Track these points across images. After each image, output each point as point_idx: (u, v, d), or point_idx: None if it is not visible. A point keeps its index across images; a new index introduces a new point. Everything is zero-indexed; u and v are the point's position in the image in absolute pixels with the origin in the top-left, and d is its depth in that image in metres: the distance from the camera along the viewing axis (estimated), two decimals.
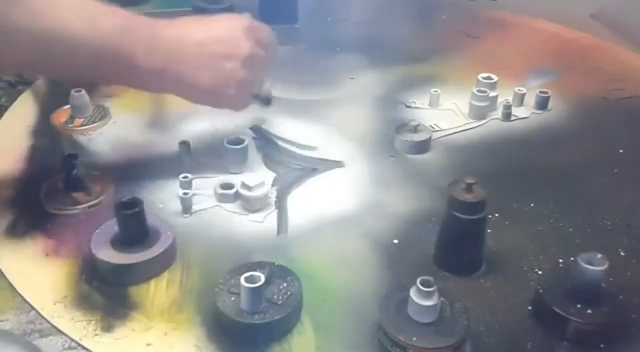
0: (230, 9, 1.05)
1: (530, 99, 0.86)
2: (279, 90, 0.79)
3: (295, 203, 0.68)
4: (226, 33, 0.66)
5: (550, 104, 0.86)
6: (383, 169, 0.74)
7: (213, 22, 0.67)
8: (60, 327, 0.53)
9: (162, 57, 0.62)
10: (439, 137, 0.79)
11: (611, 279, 0.53)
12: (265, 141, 0.76)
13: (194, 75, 0.64)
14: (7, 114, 0.83)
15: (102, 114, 0.81)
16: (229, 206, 0.67)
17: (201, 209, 0.66)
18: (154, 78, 0.63)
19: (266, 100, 0.74)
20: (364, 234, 0.64)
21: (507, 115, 0.83)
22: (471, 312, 0.52)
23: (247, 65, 0.65)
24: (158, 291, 0.57)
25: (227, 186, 0.67)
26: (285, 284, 0.54)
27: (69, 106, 0.81)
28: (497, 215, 0.66)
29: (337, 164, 0.74)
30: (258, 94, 0.72)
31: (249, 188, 0.66)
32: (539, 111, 0.85)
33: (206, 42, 0.64)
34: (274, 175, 0.71)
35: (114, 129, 0.80)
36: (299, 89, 0.89)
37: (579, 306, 0.52)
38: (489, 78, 0.85)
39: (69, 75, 0.70)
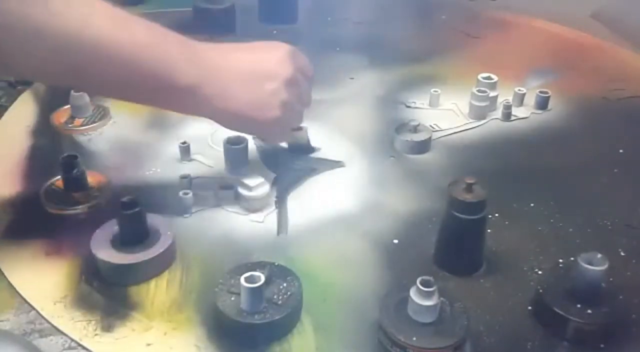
0: (230, 9, 1.05)
1: (530, 99, 0.86)
2: None
3: (295, 203, 0.68)
4: (269, 55, 0.62)
5: (550, 104, 0.86)
6: (383, 169, 0.74)
7: (254, 46, 0.64)
8: (60, 327, 0.53)
9: (201, 74, 0.58)
10: (439, 137, 0.79)
11: (611, 279, 0.53)
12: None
13: (234, 94, 0.60)
14: (7, 114, 0.83)
15: (102, 114, 0.81)
16: (229, 206, 0.67)
17: (201, 209, 0.66)
18: (190, 97, 0.58)
19: (305, 148, 0.72)
20: (364, 234, 0.64)
21: (507, 115, 0.83)
22: (471, 312, 0.52)
23: (290, 87, 0.62)
24: (158, 291, 0.57)
25: (227, 186, 0.67)
26: (285, 284, 0.54)
27: (69, 106, 0.81)
28: (497, 215, 0.66)
29: (337, 164, 0.74)
30: (295, 142, 0.71)
31: (249, 188, 0.66)
32: (539, 111, 0.85)
33: (248, 61, 0.61)
34: (274, 175, 0.71)
35: (114, 129, 0.80)
36: None
37: (579, 306, 0.52)
38: (489, 78, 0.85)
39: (95, 89, 0.63)
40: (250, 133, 0.68)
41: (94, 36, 0.52)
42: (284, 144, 0.74)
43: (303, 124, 0.70)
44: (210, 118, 0.61)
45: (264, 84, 0.61)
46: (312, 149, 0.74)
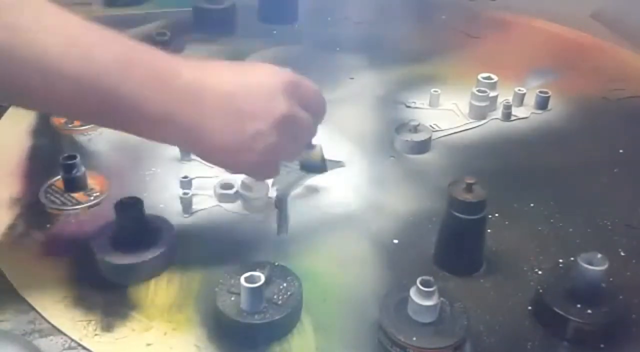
0: (230, 9, 1.05)
1: (530, 99, 0.86)
2: None
3: (295, 203, 0.68)
4: (261, 87, 0.52)
5: (550, 104, 0.86)
6: (383, 169, 0.74)
7: (248, 73, 0.54)
8: (60, 327, 0.53)
9: (171, 102, 0.50)
10: (439, 137, 0.79)
11: (611, 279, 0.53)
12: None
13: (208, 131, 0.51)
14: (7, 114, 0.83)
15: None
16: (229, 206, 0.67)
17: (201, 209, 0.66)
18: (158, 127, 0.51)
19: (319, 167, 0.65)
20: (364, 234, 0.64)
21: (507, 115, 0.83)
22: (471, 312, 0.52)
23: (280, 128, 0.52)
24: (158, 291, 0.57)
25: (227, 185, 0.67)
26: (285, 284, 0.54)
27: None
28: (497, 215, 0.66)
29: (337, 164, 0.74)
30: (307, 161, 0.64)
31: (249, 188, 0.66)
32: (539, 111, 0.85)
33: (232, 93, 0.52)
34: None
35: None
36: None
37: (579, 306, 0.52)
38: (489, 78, 0.85)
39: (56, 113, 0.57)
40: (229, 171, 0.59)
41: (33, 53, 0.46)
42: (296, 164, 0.66)
43: (316, 142, 0.64)
44: (187, 151, 0.55)
45: (246, 124, 0.51)
46: (326, 168, 0.66)
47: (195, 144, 0.53)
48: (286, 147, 0.55)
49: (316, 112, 0.57)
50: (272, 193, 0.68)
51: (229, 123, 0.52)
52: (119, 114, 0.50)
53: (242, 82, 0.53)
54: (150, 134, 0.53)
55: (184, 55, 0.53)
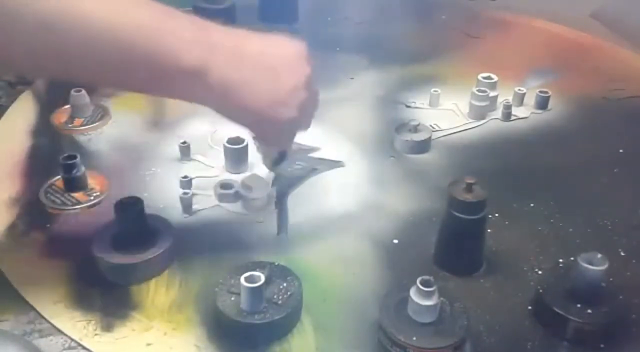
0: (230, 9, 1.05)
1: (530, 99, 0.86)
2: None
3: (295, 203, 0.68)
4: (287, 50, 0.55)
5: (550, 104, 0.86)
6: (383, 169, 0.74)
7: (272, 39, 0.56)
8: (60, 327, 0.53)
9: (209, 55, 0.50)
10: (439, 137, 0.79)
11: (611, 279, 0.53)
12: None
13: (249, 85, 0.51)
14: (7, 114, 0.83)
15: (102, 114, 0.81)
16: (229, 206, 0.67)
17: (201, 209, 0.66)
18: (194, 81, 0.50)
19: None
20: (364, 234, 0.64)
21: (507, 115, 0.83)
22: (471, 312, 0.52)
23: (308, 87, 0.55)
24: (158, 291, 0.57)
25: (227, 185, 0.67)
26: (285, 284, 0.54)
27: (69, 106, 0.81)
28: (497, 215, 0.66)
29: (337, 164, 0.74)
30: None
31: (249, 188, 0.66)
32: (539, 111, 0.85)
33: (266, 53, 0.53)
34: (274, 175, 0.71)
35: (114, 129, 0.80)
36: None
37: (579, 306, 0.52)
38: (489, 78, 0.85)
39: (86, 77, 0.56)
40: (258, 133, 0.59)
41: (75, 17, 0.46)
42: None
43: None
44: (216, 110, 0.54)
45: (283, 80, 0.53)
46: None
47: (230, 100, 0.52)
48: (309, 109, 0.57)
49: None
50: (272, 193, 0.68)
51: (265, 78, 0.52)
52: (156, 69, 0.49)
53: (271, 47, 0.54)
54: (185, 90, 0.52)
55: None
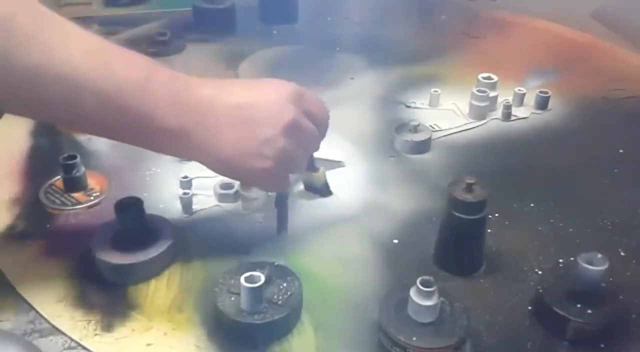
0: (230, 9, 1.06)
1: (530, 99, 0.86)
2: None
3: (295, 203, 0.68)
4: (269, 97, 0.55)
5: (550, 104, 0.86)
6: (383, 169, 0.74)
7: (256, 86, 0.58)
8: (60, 327, 0.53)
9: (187, 117, 0.52)
10: (439, 137, 0.79)
11: (611, 279, 0.53)
12: None
13: (222, 140, 0.54)
14: (7, 114, 0.83)
15: None
16: (229, 206, 0.67)
17: (201, 209, 0.66)
18: (175, 141, 0.53)
19: (323, 191, 0.68)
20: (364, 234, 0.64)
21: (507, 115, 0.83)
22: (471, 312, 0.52)
23: (289, 134, 0.55)
24: (158, 291, 0.57)
25: (227, 186, 0.67)
26: (285, 284, 0.54)
27: None
28: (497, 215, 0.66)
29: (337, 164, 0.74)
30: (311, 184, 0.67)
31: (249, 188, 0.66)
32: (539, 111, 0.85)
33: (243, 104, 0.54)
34: None
35: None
36: None
37: (579, 306, 0.52)
38: (489, 78, 0.85)
39: (71, 127, 0.58)
40: (244, 183, 0.63)
41: (60, 71, 0.48)
42: (300, 186, 0.69)
43: (320, 167, 0.67)
44: (200, 163, 0.56)
45: (257, 131, 0.54)
46: (330, 193, 0.69)
47: (208, 156, 0.55)
48: (294, 154, 0.56)
49: (320, 123, 0.59)
50: (272, 193, 0.68)
51: (239, 132, 0.54)
52: (136, 129, 0.52)
53: (251, 95, 0.56)
54: (166, 148, 0.55)
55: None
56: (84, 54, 0.49)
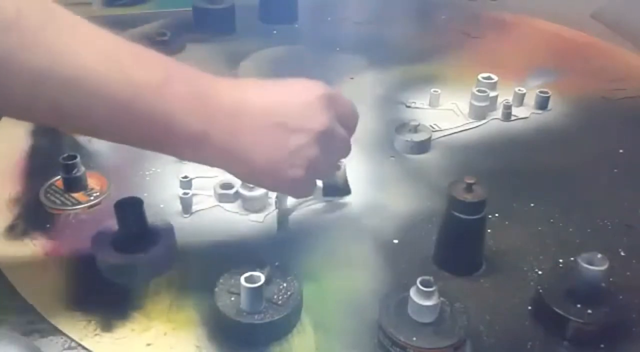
0: (230, 9, 1.05)
1: (530, 99, 0.86)
2: None
3: (295, 203, 0.68)
4: (300, 101, 0.51)
5: (550, 104, 0.86)
6: (383, 169, 0.74)
7: (285, 89, 0.53)
8: (60, 327, 0.53)
9: (211, 122, 0.48)
10: (439, 137, 0.79)
11: (611, 279, 0.53)
12: None
13: (247, 149, 0.50)
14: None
15: None
16: (229, 206, 0.67)
17: (201, 209, 0.66)
18: (194, 147, 0.49)
19: (343, 190, 0.66)
20: (364, 234, 0.64)
21: (507, 115, 0.83)
22: (471, 312, 0.52)
23: (322, 142, 0.51)
24: (158, 291, 0.57)
25: (227, 186, 0.67)
26: (285, 284, 0.54)
27: None
28: (497, 215, 0.66)
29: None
30: (331, 183, 0.64)
31: (249, 188, 0.66)
32: (539, 111, 0.85)
33: (272, 109, 0.50)
34: None
35: None
36: None
37: (579, 306, 0.52)
38: (489, 78, 0.85)
39: (82, 132, 0.54)
40: (270, 190, 0.61)
41: (70, 74, 0.44)
42: (319, 183, 0.65)
43: (341, 162, 0.63)
44: (225, 170, 0.53)
45: (288, 139, 0.50)
46: (349, 191, 0.67)
47: (234, 164, 0.51)
48: (325, 162, 0.53)
49: (352, 128, 0.56)
50: (272, 193, 0.68)
51: (269, 139, 0.50)
52: (154, 134, 0.48)
53: (279, 98, 0.51)
54: (187, 154, 0.51)
55: (221, 74, 0.51)
56: (96, 56, 0.45)
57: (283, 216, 0.65)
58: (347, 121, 0.55)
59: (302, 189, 0.56)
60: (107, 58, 0.46)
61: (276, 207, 0.67)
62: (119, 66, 0.46)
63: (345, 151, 0.57)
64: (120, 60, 0.46)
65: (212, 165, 0.52)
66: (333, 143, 0.53)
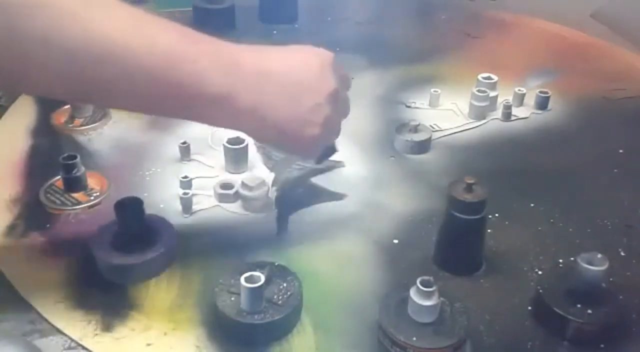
0: (230, 9, 1.05)
1: (530, 99, 0.86)
2: None
3: (296, 203, 0.68)
4: (310, 62, 0.55)
5: (550, 104, 0.86)
6: (383, 169, 0.74)
7: (294, 53, 0.57)
8: (60, 327, 0.53)
9: (235, 83, 0.51)
10: (439, 137, 0.79)
11: (611, 279, 0.53)
12: None
13: (272, 107, 0.53)
14: (7, 114, 0.83)
15: (102, 114, 0.81)
16: (229, 206, 0.67)
17: (201, 209, 0.66)
18: (222, 109, 0.51)
19: (332, 148, 0.64)
20: (364, 234, 0.64)
21: (507, 115, 0.83)
22: (471, 312, 0.52)
23: (332, 102, 0.55)
24: (158, 291, 0.57)
25: (227, 185, 0.67)
26: (285, 284, 0.54)
27: (69, 106, 0.81)
28: (497, 215, 0.66)
29: (338, 164, 0.74)
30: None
31: (249, 188, 0.66)
32: (539, 111, 0.85)
33: (289, 72, 0.54)
34: (274, 175, 0.71)
35: (114, 129, 0.80)
36: None
37: (579, 306, 0.52)
38: (489, 78, 0.85)
39: (114, 102, 0.55)
40: (285, 150, 0.63)
41: (104, 44, 0.46)
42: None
43: None
44: (245, 132, 0.56)
45: (305, 98, 0.54)
46: (336, 149, 0.65)
47: (256, 124, 0.54)
48: (337, 120, 0.58)
49: (347, 87, 0.60)
50: (272, 193, 0.68)
51: (288, 99, 0.53)
52: (181, 96, 0.50)
53: (294, 62, 0.55)
54: (210, 116, 0.53)
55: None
56: (127, 29, 0.47)
57: (283, 216, 0.65)
58: (345, 82, 0.60)
59: (314, 149, 0.59)
60: (135, 27, 0.48)
61: (276, 207, 0.67)
62: (147, 33, 0.48)
63: (347, 110, 0.61)
64: (147, 28, 0.49)
65: (234, 127, 0.55)
66: (340, 103, 0.57)
